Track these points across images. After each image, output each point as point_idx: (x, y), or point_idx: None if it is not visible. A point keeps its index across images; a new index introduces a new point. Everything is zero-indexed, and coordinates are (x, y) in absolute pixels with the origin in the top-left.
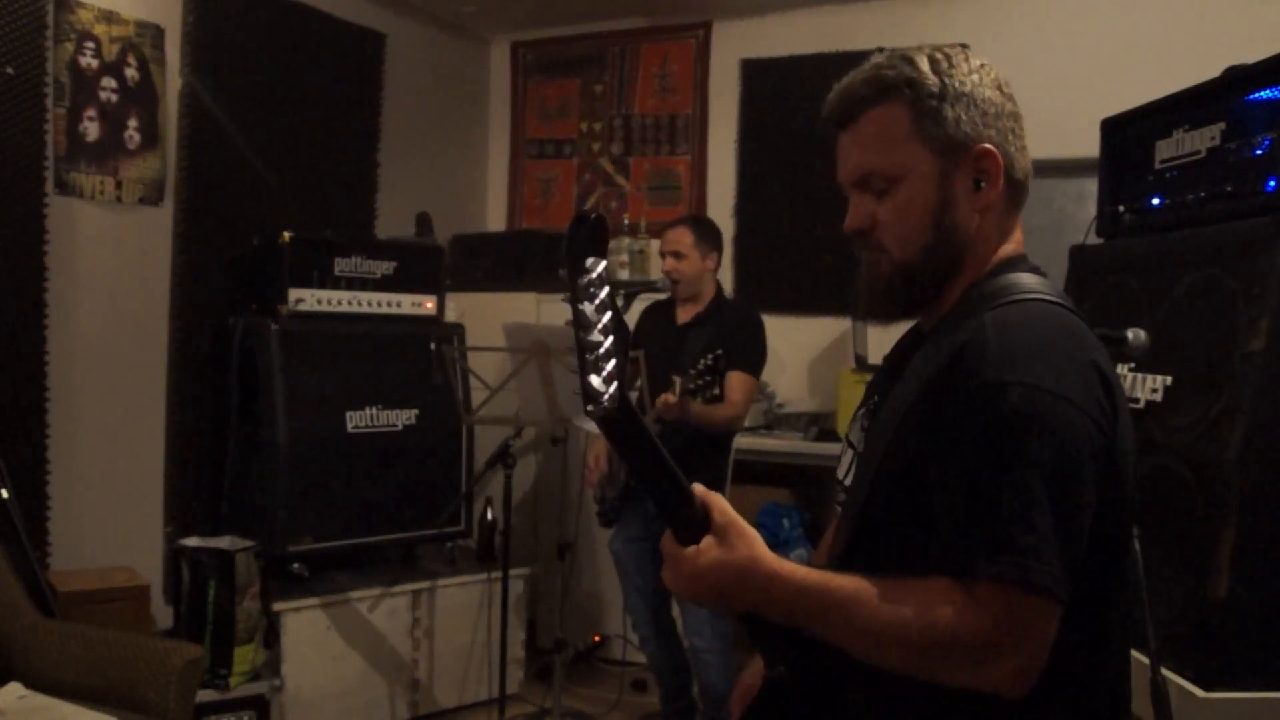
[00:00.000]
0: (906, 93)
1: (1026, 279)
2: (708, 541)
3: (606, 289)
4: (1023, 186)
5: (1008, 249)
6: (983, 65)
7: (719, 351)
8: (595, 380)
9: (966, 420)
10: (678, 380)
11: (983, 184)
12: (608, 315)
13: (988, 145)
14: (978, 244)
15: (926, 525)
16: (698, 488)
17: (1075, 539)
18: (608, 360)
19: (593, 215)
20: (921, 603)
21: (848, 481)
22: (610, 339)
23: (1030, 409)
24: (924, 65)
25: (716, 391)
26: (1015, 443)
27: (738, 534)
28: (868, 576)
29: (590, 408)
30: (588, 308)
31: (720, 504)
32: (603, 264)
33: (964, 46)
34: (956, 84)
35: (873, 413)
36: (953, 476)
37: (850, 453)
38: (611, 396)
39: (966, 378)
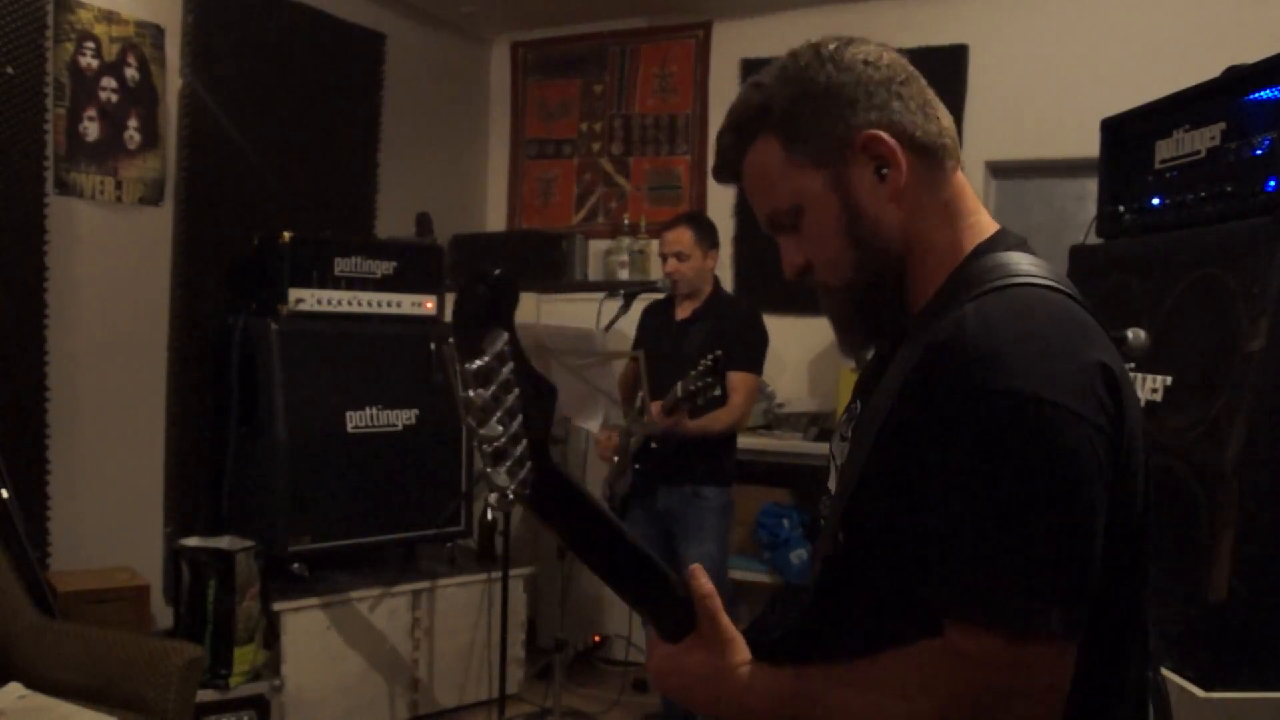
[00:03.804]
0: (766, 121)
1: (1014, 259)
2: (690, 643)
3: (510, 365)
4: (937, 146)
5: (979, 225)
6: (840, 48)
7: (719, 352)
8: (499, 474)
9: (950, 438)
10: (677, 386)
11: (885, 170)
12: (513, 395)
13: (869, 131)
14: (916, 230)
15: (907, 555)
16: (697, 578)
17: (1082, 568)
18: (515, 445)
19: (496, 273)
20: (919, 678)
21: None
22: (517, 420)
23: (1023, 423)
24: (773, 83)
25: (718, 392)
26: (1008, 465)
27: (724, 643)
28: (851, 663)
29: (494, 500)
30: (480, 394)
31: (713, 609)
32: (504, 338)
33: (843, 42)
34: (808, 86)
35: (855, 421)
36: (939, 506)
37: (833, 464)
38: (522, 482)
39: (947, 385)
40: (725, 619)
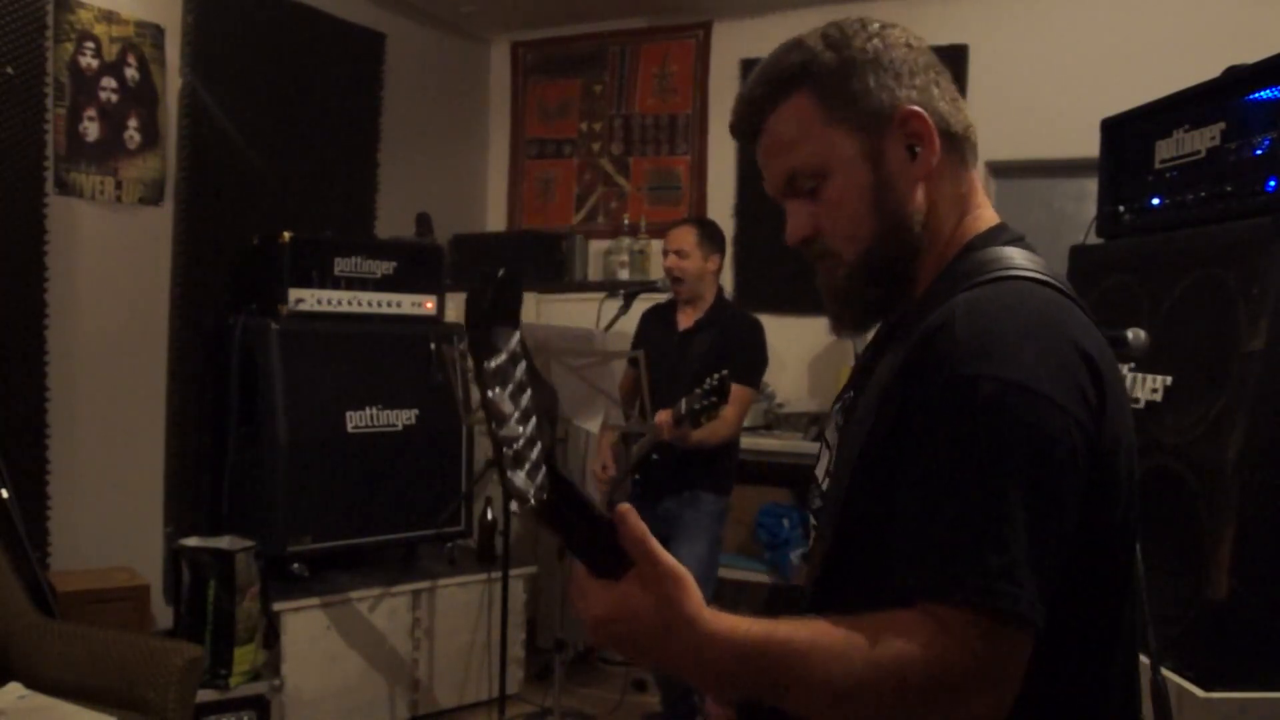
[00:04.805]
0: (806, 79)
1: (1008, 253)
2: (633, 579)
3: (523, 364)
4: (964, 140)
5: (981, 218)
6: (884, 27)
7: (725, 373)
8: (518, 477)
9: (933, 420)
10: (682, 402)
11: (917, 149)
12: (526, 395)
13: (911, 106)
14: (934, 216)
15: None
16: (625, 519)
17: (1051, 555)
18: (531, 447)
19: (500, 274)
20: (889, 644)
21: (825, 486)
22: (532, 421)
23: (1002, 409)
24: (816, 44)
25: (719, 412)
26: (985, 449)
27: (673, 581)
28: (818, 621)
29: (516, 507)
30: (500, 395)
31: (643, 540)
32: (516, 337)
33: (863, 23)
34: (856, 53)
35: (848, 410)
36: (917, 485)
37: (827, 453)
38: (540, 487)
39: (934, 370)
40: (663, 553)
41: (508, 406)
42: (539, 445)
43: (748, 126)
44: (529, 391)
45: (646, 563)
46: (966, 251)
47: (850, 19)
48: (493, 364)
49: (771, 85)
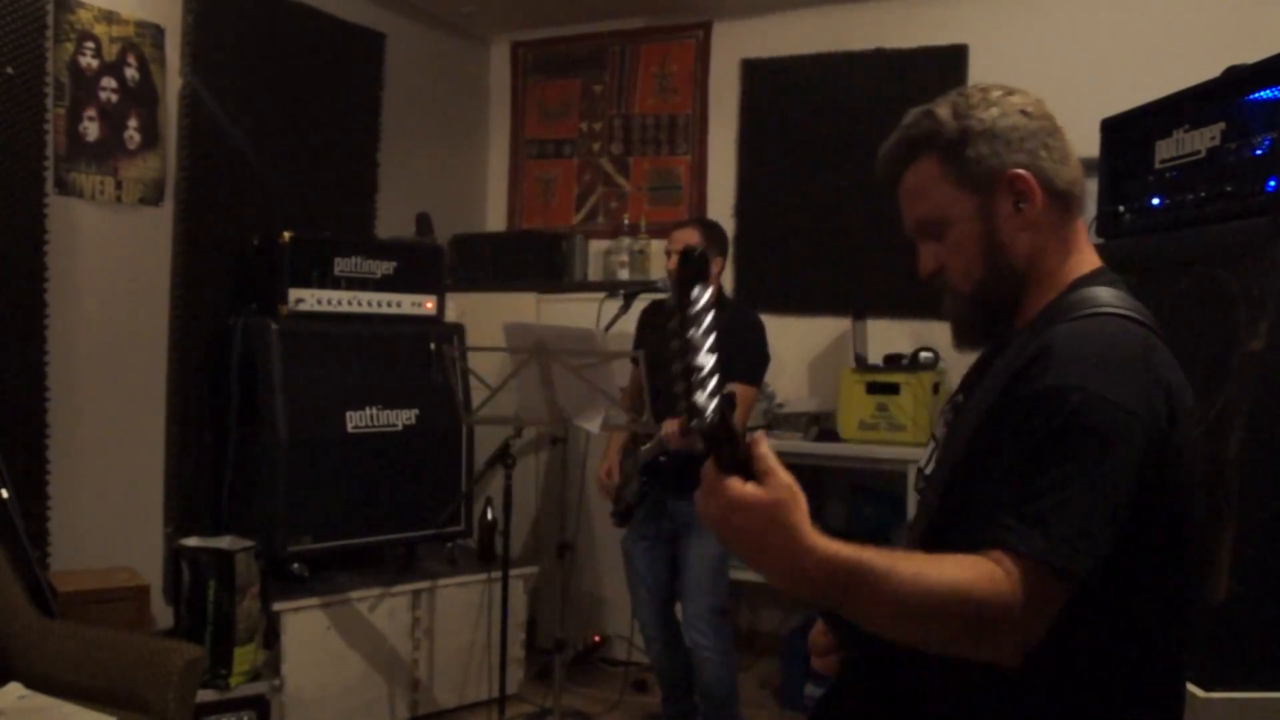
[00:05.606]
0: (933, 145)
1: (1103, 293)
2: (755, 485)
3: (713, 314)
4: (1069, 194)
5: (1085, 261)
6: (1004, 96)
7: (732, 390)
8: (700, 396)
9: (1029, 420)
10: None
11: (1022, 205)
12: (713, 338)
13: (1017, 170)
14: (1037, 258)
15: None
16: (757, 444)
17: (1105, 528)
18: (711, 377)
19: (697, 251)
20: (955, 575)
21: (928, 470)
22: (715, 358)
23: (1087, 414)
24: (944, 114)
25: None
26: (1069, 442)
27: (789, 490)
28: (900, 552)
29: (694, 422)
30: (695, 333)
31: (779, 468)
32: (709, 291)
33: (969, 88)
34: (975, 124)
35: (957, 409)
36: (1007, 465)
37: (932, 444)
38: (714, 410)
39: (1034, 382)
40: (781, 471)
41: (700, 340)
42: (718, 377)
43: (888, 178)
44: (715, 334)
45: (766, 475)
46: (1071, 290)
47: (975, 88)
48: (692, 311)
49: (906, 146)
